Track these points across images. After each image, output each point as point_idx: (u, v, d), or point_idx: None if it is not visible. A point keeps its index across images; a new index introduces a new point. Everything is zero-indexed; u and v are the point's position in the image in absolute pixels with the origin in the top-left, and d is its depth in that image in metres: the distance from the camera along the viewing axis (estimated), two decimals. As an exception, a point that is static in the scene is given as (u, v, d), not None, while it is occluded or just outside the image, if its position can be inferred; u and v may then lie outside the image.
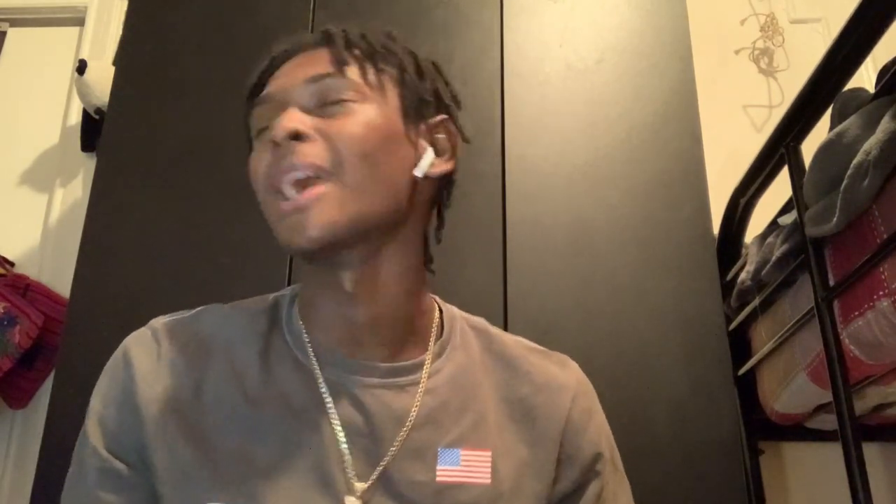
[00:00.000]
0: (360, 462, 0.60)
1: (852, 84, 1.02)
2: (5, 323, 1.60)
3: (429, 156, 0.66)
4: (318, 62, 0.64)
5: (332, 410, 0.61)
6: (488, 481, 0.63)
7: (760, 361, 1.25)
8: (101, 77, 1.69)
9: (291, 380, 0.63)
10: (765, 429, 1.37)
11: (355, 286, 0.63)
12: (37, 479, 1.10)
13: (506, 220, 1.22)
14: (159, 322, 0.68)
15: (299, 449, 0.60)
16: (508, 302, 1.16)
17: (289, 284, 1.18)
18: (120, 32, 1.59)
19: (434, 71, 0.71)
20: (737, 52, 1.98)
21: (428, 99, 0.68)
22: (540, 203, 1.23)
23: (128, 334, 1.23)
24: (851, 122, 0.94)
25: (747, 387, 1.29)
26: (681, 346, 1.14)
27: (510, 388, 0.69)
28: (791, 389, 1.15)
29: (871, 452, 1.41)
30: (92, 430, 0.64)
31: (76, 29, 2.08)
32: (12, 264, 1.80)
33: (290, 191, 0.59)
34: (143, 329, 0.68)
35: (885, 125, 0.86)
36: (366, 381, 0.63)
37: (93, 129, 1.80)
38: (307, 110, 0.62)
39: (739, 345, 1.29)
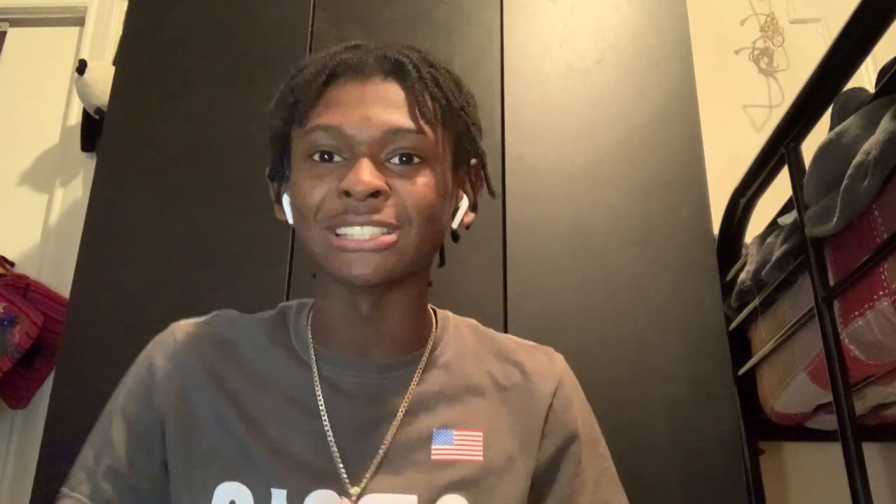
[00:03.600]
0: (353, 448, 0.65)
1: (852, 84, 1.02)
2: (5, 323, 1.60)
3: (464, 206, 0.71)
4: (395, 103, 0.65)
5: (322, 405, 0.67)
6: (480, 458, 0.67)
7: (760, 361, 1.25)
8: (101, 77, 1.69)
9: (291, 374, 0.69)
10: (765, 429, 1.37)
11: (371, 310, 0.68)
12: (37, 479, 1.10)
13: (506, 220, 1.22)
14: (178, 324, 0.75)
15: (298, 434, 0.66)
16: (508, 302, 1.16)
17: (288, 284, 1.18)
18: (120, 32, 1.59)
19: (473, 107, 0.72)
20: (737, 52, 1.98)
21: (467, 147, 0.70)
22: (540, 203, 1.23)
23: (128, 334, 1.23)
24: (851, 122, 0.94)
25: (747, 387, 1.29)
26: (681, 346, 1.14)
27: (501, 375, 0.73)
28: (791, 389, 1.15)
29: (871, 452, 1.42)
30: (114, 414, 0.71)
31: (76, 29, 2.08)
32: (12, 264, 1.80)
33: (355, 232, 0.62)
34: (165, 331, 0.75)
35: (885, 125, 0.86)
36: (363, 375, 0.69)
37: (93, 129, 1.80)
38: (380, 160, 0.63)
39: (739, 345, 1.29)
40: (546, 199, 1.23)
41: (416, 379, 0.70)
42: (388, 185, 0.62)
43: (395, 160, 0.64)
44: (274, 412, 0.67)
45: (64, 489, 0.70)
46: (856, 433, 0.91)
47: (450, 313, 0.78)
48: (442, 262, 0.78)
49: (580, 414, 0.75)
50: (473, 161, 0.72)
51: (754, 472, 1.32)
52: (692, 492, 1.07)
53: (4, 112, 2.01)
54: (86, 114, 1.82)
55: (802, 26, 1.98)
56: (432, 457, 0.66)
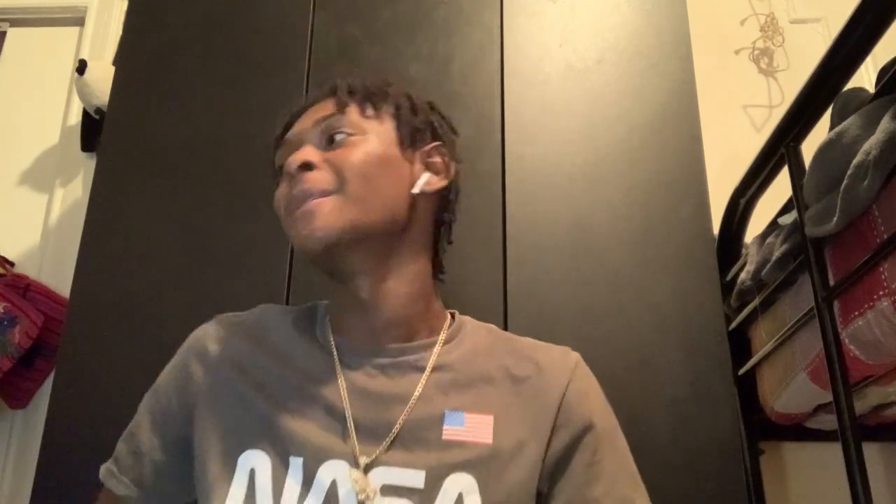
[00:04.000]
0: (368, 425, 0.70)
1: (852, 84, 1.02)
2: (5, 323, 1.60)
3: (424, 175, 0.79)
4: (325, 108, 0.78)
5: (343, 383, 0.73)
6: (490, 441, 0.70)
7: (760, 361, 1.25)
8: (101, 77, 1.69)
9: (314, 358, 0.76)
10: (765, 429, 1.37)
11: (369, 294, 0.75)
12: (37, 479, 1.10)
13: (506, 219, 1.22)
14: (217, 317, 0.84)
15: (317, 409, 0.72)
16: (508, 301, 1.16)
17: (289, 284, 1.18)
18: (120, 32, 1.59)
19: (428, 108, 0.84)
20: (737, 52, 1.98)
21: (421, 128, 0.81)
22: (540, 203, 1.23)
23: (128, 334, 1.24)
24: (851, 122, 0.94)
25: (747, 387, 1.29)
26: (681, 346, 1.14)
27: (516, 368, 0.77)
28: (791, 389, 1.15)
29: (871, 452, 1.42)
30: (154, 393, 0.81)
31: (76, 29, 2.08)
32: (12, 264, 1.80)
33: (302, 207, 0.72)
34: (203, 324, 0.83)
35: (885, 125, 0.86)
36: (378, 361, 0.75)
37: (93, 129, 1.80)
38: (317, 147, 0.76)
39: (739, 345, 1.29)
40: (546, 199, 1.23)
41: (430, 364, 0.75)
42: (324, 160, 0.73)
43: (325, 143, 0.76)
44: (295, 389, 0.73)
45: (111, 466, 0.80)
46: (856, 433, 0.91)
47: (468, 318, 0.84)
48: (443, 251, 0.85)
49: (596, 408, 0.77)
50: (437, 143, 0.82)
51: (754, 472, 1.32)
52: (692, 492, 1.07)
53: (4, 112, 2.01)
54: (86, 114, 1.82)
55: (802, 26, 1.98)
56: (443, 437, 0.70)
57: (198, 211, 1.25)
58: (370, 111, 0.78)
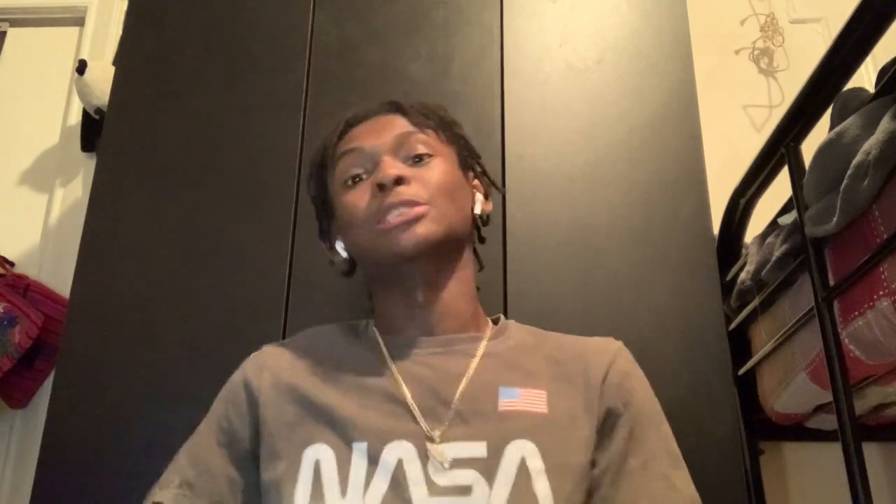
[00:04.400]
0: (426, 405, 0.74)
1: (852, 84, 1.02)
2: (5, 323, 1.60)
3: (479, 197, 0.88)
4: (399, 124, 0.84)
5: (397, 373, 0.77)
6: (546, 411, 0.74)
7: (760, 361, 1.25)
8: (101, 77, 1.69)
9: (366, 359, 0.80)
10: (765, 429, 1.37)
11: (425, 297, 0.81)
12: (37, 479, 1.09)
13: (506, 220, 1.22)
14: (265, 347, 0.87)
15: (376, 397, 0.75)
16: (508, 301, 1.16)
17: (289, 285, 1.18)
18: (120, 32, 1.59)
19: (461, 129, 0.92)
20: (737, 52, 1.98)
21: (467, 155, 0.89)
22: (540, 203, 1.23)
23: (128, 334, 1.24)
24: (851, 122, 0.94)
25: (747, 387, 1.29)
26: (681, 346, 1.14)
27: (561, 353, 0.81)
28: (791, 389, 1.15)
29: (871, 452, 1.42)
30: (211, 424, 0.82)
31: (76, 29, 2.08)
32: (12, 264, 1.80)
33: (397, 214, 0.76)
34: (254, 353, 0.87)
35: (885, 125, 0.85)
36: (429, 349, 0.79)
37: (93, 129, 1.80)
38: (398, 159, 0.81)
39: (739, 345, 1.29)
40: (546, 199, 1.23)
41: (479, 353, 0.79)
42: (411, 175, 0.78)
43: (410, 160, 0.81)
44: (352, 385, 0.77)
45: (155, 490, 0.78)
46: (856, 433, 0.91)
47: (513, 321, 0.90)
48: (481, 267, 0.92)
49: (640, 389, 0.81)
50: (478, 169, 0.91)
51: (754, 472, 1.32)
52: (692, 492, 1.07)
53: (4, 112, 2.01)
54: (86, 114, 1.82)
55: (802, 26, 1.98)
56: (500, 408, 0.73)
57: (198, 211, 1.25)
58: (443, 136, 0.85)
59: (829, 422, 1.27)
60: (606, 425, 0.76)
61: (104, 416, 1.12)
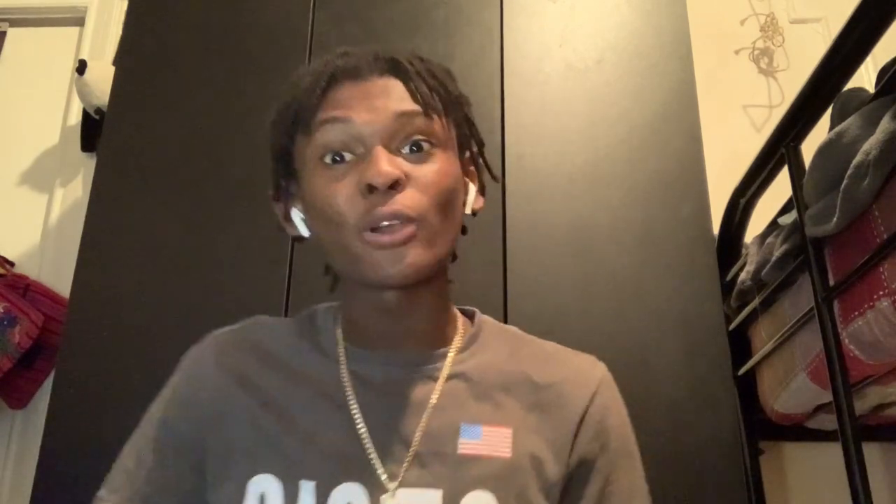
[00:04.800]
0: (383, 440, 0.66)
1: (852, 84, 1.02)
2: (5, 323, 1.60)
3: (472, 192, 0.73)
4: (398, 95, 0.66)
5: (352, 396, 0.68)
6: (509, 455, 0.66)
7: (760, 361, 1.25)
8: (101, 77, 1.69)
9: (319, 370, 0.70)
10: (765, 429, 1.37)
11: (399, 307, 0.69)
12: (37, 479, 1.10)
13: (506, 220, 1.22)
14: (213, 334, 0.76)
15: (328, 427, 0.67)
16: (508, 302, 1.16)
17: (288, 285, 1.18)
18: (120, 32, 1.60)
19: (467, 103, 0.75)
20: (737, 52, 1.98)
21: (467, 133, 0.73)
22: (540, 203, 1.23)
23: (127, 334, 1.24)
24: (851, 122, 0.94)
25: (747, 387, 1.29)
26: (681, 346, 1.14)
27: (538, 375, 0.72)
28: (791, 389, 1.15)
29: (871, 452, 1.42)
30: (153, 422, 0.73)
31: (76, 29, 2.08)
32: (12, 264, 1.80)
33: (385, 232, 0.63)
34: (200, 342, 0.76)
35: (884, 125, 0.85)
36: (391, 370, 0.70)
37: (93, 129, 1.80)
38: (392, 150, 0.65)
39: (739, 345, 1.29)
40: (546, 199, 1.23)
41: (445, 373, 0.70)
42: (407, 175, 0.63)
43: (407, 149, 0.65)
44: (305, 405, 0.68)
45: (102, 492, 0.70)
46: (856, 433, 0.91)
47: (489, 319, 0.78)
48: (454, 258, 0.77)
49: (618, 425, 0.74)
50: (474, 148, 0.75)
51: (754, 472, 1.32)
52: (692, 492, 1.07)
53: (4, 112, 2.01)
54: (86, 114, 1.82)
55: (802, 26, 1.98)
56: (459, 450, 0.66)
57: (197, 211, 1.25)
58: (448, 120, 0.70)
59: (829, 422, 1.27)
60: (579, 474, 0.70)
61: (104, 417, 1.12)
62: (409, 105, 0.66)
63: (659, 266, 1.19)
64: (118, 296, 1.20)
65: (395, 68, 0.68)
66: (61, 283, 1.76)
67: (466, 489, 0.64)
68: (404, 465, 0.65)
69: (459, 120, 0.72)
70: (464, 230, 0.74)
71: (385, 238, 0.62)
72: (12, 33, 2.09)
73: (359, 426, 0.66)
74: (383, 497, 0.63)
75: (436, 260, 0.65)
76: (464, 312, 0.79)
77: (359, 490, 0.64)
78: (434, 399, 0.68)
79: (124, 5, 1.59)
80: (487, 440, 0.67)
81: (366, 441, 0.66)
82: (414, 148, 0.65)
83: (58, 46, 2.07)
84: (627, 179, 1.24)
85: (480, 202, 0.75)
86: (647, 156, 1.26)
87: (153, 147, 1.30)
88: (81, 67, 1.71)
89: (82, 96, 1.76)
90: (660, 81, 1.31)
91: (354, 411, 0.67)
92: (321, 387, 0.69)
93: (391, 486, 0.64)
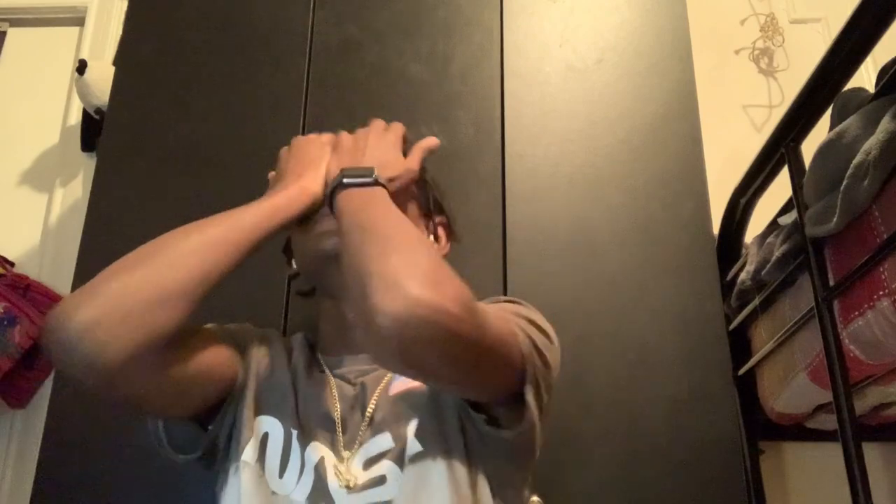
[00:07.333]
0: (350, 407, 0.81)
1: (852, 84, 1.02)
2: (5, 323, 1.60)
3: (433, 243, 0.91)
4: None
5: (331, 380, 0.84)
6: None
7: (760, 361, 1.25)
8: (101, 77, 1.69)
9: (305, 364, 0.87)
10: (765, 429, 1.37)
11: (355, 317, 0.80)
12: (37, 479, 1.10)
13: (506, 220, 1.22)
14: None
15: (313, 397, 0.82)
16: (508, 302, 1.16)
17: (288, 286, 1.18)
18: (120, 32, 1.59)
19: (436, 186, 0.95)
20: (737, 52, 1.98)
21: (431, 207, 0.92)
22: (540, 203, 1.23)
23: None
24: (851, 122, 0.94)
25: (747, 387, 1.29)
26: (681, 346, 1.14)
27: None
28: (791, 389, 1.15)
29: (871, 452, 1.41)
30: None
31: (76, 29, 2.08)
32: (12, 264, 1.80)
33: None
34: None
35: (885, 125, 0.86)
36: (354, 367, 0.85)
37: (93, 129, 1.80)
38: None
39: (739, 345, 1.29)
40: (546, 199, 1.23)
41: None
42: None
43: None
44: (292, 381, 0.83)
45: None
46: (856, 433, 0.91)
47: None
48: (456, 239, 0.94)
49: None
50: (442, 219, 0.94)
51: (754, 472, 1.32)
52: (692, 492, 1.07)
53: (4, 112, 2.01)
54: (86, 114, 1.82)
55: (802, 26, 1.98)
56: (390, 392, 0.79)
57: (198, 210, 1.25)
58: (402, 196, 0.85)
59: (829, 422, 1.27)
60: None
61: (104, 416, 1.12)
62: None
63: (659, 266, 1.19)
64: (118, 296, 1.19)
65: None
66: (61, 283, 1.76)
67: (402, 416, 0.76)
68: (359, 432, 0.77)
69: (419, 196, 0.90)
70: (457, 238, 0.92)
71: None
72: (12, 33, 2.09)
73: (335, 399, 0.81)
74: (338, 467, 0.75)
75: None
76: None
77: (324, 449, 0.77)
78: (387, 378, 0.82)
79: (124, 5, 1.59)
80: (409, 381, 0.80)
81: (336, 416, 0.80)
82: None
83: (58, 46, 2.07)
84: (627, 179, 1.24)
85: (445, 250, 0.93)
86: (647, 156, 1.26)
87: (153, 147, 1.30)
88: (81, 67, 1.71)
89: (82, 96, 1.76)
90: (660, 81, 1.31)
91: (332, 391, 0.82)
92: (307, 373, 0.85)
93: (346, 455, 0.76)
